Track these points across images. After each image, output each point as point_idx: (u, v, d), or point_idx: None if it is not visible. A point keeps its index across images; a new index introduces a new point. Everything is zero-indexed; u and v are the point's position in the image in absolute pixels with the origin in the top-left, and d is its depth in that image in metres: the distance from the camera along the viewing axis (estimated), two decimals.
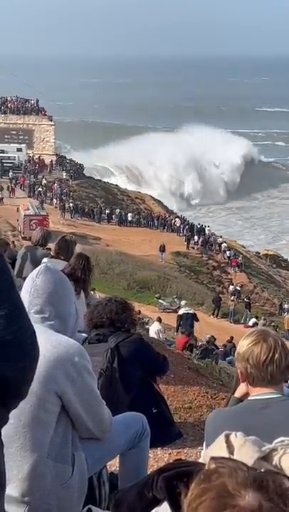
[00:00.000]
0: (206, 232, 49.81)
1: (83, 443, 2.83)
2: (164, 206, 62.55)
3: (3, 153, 58.00)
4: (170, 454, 4.76)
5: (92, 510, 2.62)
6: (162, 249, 43.15)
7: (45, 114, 66.33)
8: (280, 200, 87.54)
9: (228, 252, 47.06)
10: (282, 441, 1.34)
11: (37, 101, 66.63)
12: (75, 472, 2.72)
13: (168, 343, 15.96)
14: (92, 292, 8.59)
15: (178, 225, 51.31)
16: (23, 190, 54.12)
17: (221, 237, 51.05)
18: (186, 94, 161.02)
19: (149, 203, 61.60)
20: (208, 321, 32.37)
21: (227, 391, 6.35)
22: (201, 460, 1.78)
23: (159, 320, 20.35)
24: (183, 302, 26.80)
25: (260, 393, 2.52)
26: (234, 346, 19.80)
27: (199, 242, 47.84)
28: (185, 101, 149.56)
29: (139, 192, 66.02)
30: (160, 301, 34.22)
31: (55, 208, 50.08)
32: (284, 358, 2.50)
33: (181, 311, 20.99)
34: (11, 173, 54.94)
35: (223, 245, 48.23)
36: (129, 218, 51.82)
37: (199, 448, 4.62)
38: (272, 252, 54.85)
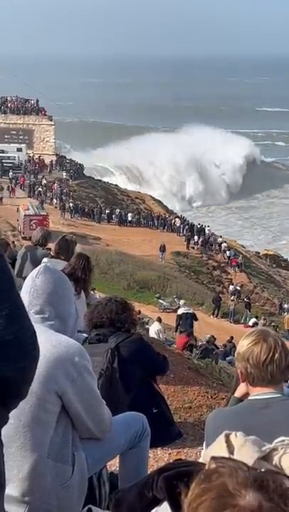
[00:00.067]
0: (206, 232, 49.82)
1: (83, 443, 2.83)
2: (164, 206, 62.56)
3: (3, 153, 58.00)
4: (170, 453, 4.76)
5: (92, 510, 2.62)
6: (162, 249, 43.16)
7: (45, 114, 66.35)
8: (280, 200, 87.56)
9: (228, 252, 47.07)
10: (283, 441, 1.35)
11: (37, 101, 66.65)
12: (75, 472, 2.72)
13: (168, 343, 15.97)
14: (92, 292, 8.59)
15: (178, 225, 51.32)
16: (23, 190, 54.12)
17: (220, 237, 51.07)
18: (186, 94, 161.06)
19: (149, 202, 61.62)
20: (208, 321, 32.38)
21: (227, 391, 6.35)
22: (201, 460, 1.78)
23: (159, 320, 20.36)
24: (182, 302, 26.85)
25: (260, 393, 2.52)
26: (234, 346, 19.81)
27: (199, 242, 47.84)
28: (185, 101, 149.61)
29: (139, 192, 66.03)
30: (160, 301, 34.23)
31: (55, 207, 50.09)
32: (284, 357, 2.50)
33: (180, 311, 21.00)
34: (11, 173, 54.94)
35: (223, 245, 48.24)
36: (129, 218, 51.83)
37: (199, 448, 4.62)
38: (272, 252, 54.86)
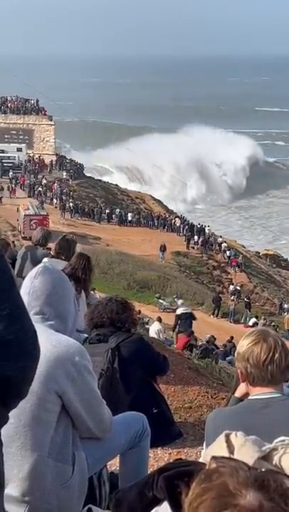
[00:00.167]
0: (206, 232, 49.82)
1: (84, 442, 2.83)
2: (164, 206, 62.55)
3: (3, 153, 58.00)
4: (170, 453, 4.76)
5: (92, 509, 2.62)
6: (163, 249, 43.15)
7: (45, 114, 66.34)
8: (279, 200, 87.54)
9: (228, 252, 47.06)
10: (283, 440, 1.35)
11: (37, 101, 66.64)
12: (76, 472, 2.72)
13: (168, 342, 15.97)
14: (92, 292, 8.59)
15: (178, 224, 51.31)
16: (23, 190, 54.12)
17: (220, 236, 51.07)
18: (186, 94, 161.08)
19: (149, 202, 61.60)
20: (208, 321, 32.37)
21: (227, 391, 6.35)
22: (201, 460, 1.78)
23: (159, 320, 20.36)
24: (180, 302, 26.82)
25: (260, 393, 2.52)
26: (234, 346, 19.80)
27: (199, 241, 47.84)
28: (185, 101, 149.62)
29: (139, 192, 66.01)
30: (160, 300, 34.23)
31: (55, 207, 50.08)
32: (284, 357, 2.50)
33: (179, 311, 20.99)
34: (11, 173, 54.94)
35: (223, 245, 48.24)
36: (129, 218, 51.82)
37: (199, 448, 4.62)
38: (272, 252, 54.86)
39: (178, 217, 54.03)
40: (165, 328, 20.61)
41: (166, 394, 5.48)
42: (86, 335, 4.72)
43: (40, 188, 53.02)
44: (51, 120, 66.21)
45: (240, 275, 44.49)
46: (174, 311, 26.45)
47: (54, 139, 65.47)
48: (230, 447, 1.29)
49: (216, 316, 35.01)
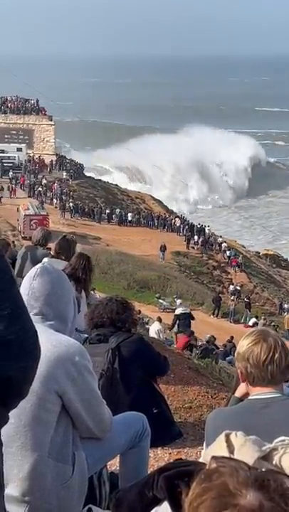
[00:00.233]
0: (206, 231, 49.83)
1: (84, 442, 2.83)
2: (164, 206, 62.55)
3: (3, 153, 58.00)
4: (170, 453, 4.76)
5: (92, 509, 2.62)
6: (163, 248, 43.16)
7: (45, 114, 66.34)
8: (279, 200, 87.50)
9: (228, 252, 47.06)
10: (283, 440, 1.35)
11: (37, 101, 66.64)
12: (76, 472, 2.72)
13: (168, 342, 15.98)
14: (92, 292, 8.59)
15: (178, 224, 51.31)
16: (23, 190, 54.12)
17: (221, 236, 51.07)
18: (186, 94, 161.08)
19: (149, 202, 61.60)
20: (208, 321, 32.38)
21: (227, 391, 6.35)
22: (201, 459, 1.78)
23: (159, 320, 20.37)
24: (178, 301, 26.82)
25: (260, 393, 2.52)
26: (234, 346, 19.80)
27: (199, 241, 47.84)
28: (185, 101, 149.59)
29: (139, 192, 65.99)
30: (160, 300, 34.23)
31: (55, 207, 50.08)
32: (284, 357, 2.50)
33: (178, 311, 21.01)
34: (11, 173, 54.94)
35: (223, 245, 48.24)
36: (129, 218, 51.82)
37: (199, 447, 4.63)
38: (272, 252, 54.87)
39: (178, 217, 54.03)
40: (165, 328, 20.62)
41: (166, 394, 5.48)
42: (86, 335, 4.72)
43: (40, 188, 53.02)
44: (51, 120, 66.21)
45: (240, 275, 44.49)
46: (174, 311, 26.49)
47: (54, 139, 65.46)
48: (231, 447, 1.29)
49: (216, 316, 35.01)
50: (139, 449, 3.15)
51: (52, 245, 8.43)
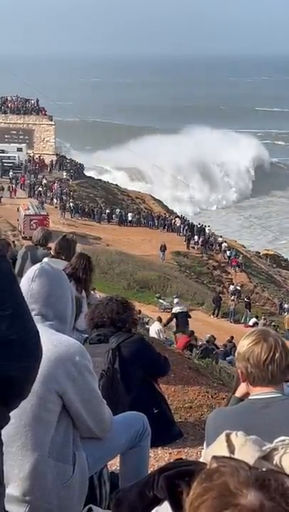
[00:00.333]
0: (206, 231, 49.83)
1: (84, 442, 2.83)
2: (164, 206, 62.53)
3: (4, 153, 58.00)
4: (171, 453, 4.76)
5: (92, 509, 2.62)
6: (163, 248, 43.17)
7: (46, 114, 66.34)
8: (279, 199, 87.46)
9: (228, 252, 47.06)
10: (283, 440, 1.35)
11: (37, 101, 66.64)
12: (76, 471, 2.72)
13: (168, 342, 15.98)
14: (92, 292, 8.58)
15: (178, 224, 51.32)
16: (24, 190, 54.12)
17: (221, 236, 51.07)
18: (186, 94, 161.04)
19: (149, 202, 61.60)
20: (208, 321, 32.40)
21: (227, 391, 6.36)
22: (201, 459, 1.78)
23: (160, 320, 20.35)
24: (176, 300, 26.81)
25: (260, 393, 2.52)
26: (234, 346, 19.81)
27: (199, 241, 47.84)
28: (185, 101, 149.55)
29: (139, 192, 65.96)
30: (160, 300, 34.23)
31: (56, 207, 50.07)
32: (284, 357, 2.50)
33: (175, 310, 21.02)
34: (11, 173, 54.94)
35: (224, 245, 48.24)
36: (130, 218, 51.83)
37: (200, 447, 4.63)
38: (272, 252, 54.87)
39: (178, 217, 54.03)
40: (165, 328, 20.61)
41: (166, 394, 5.49)
42: (87, 335, 4.72)
43: (40, 188, 53.02)
44: (51, 120, 66.21)
45: (240, 275, 44.48)
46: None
47: (54, 138, 65.45)
48: (231, 447, 1.29)
49: (216, 316, 35.01)
50: (139, 448, 3.15)
51: (52, 245, 8.43)
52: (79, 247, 8.25)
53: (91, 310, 4.60)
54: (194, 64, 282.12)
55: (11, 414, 1.63)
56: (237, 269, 45.20)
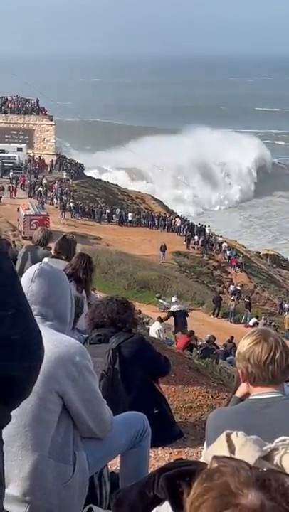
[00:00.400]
0: (206, 231, 49.83)
1: (84, 442, 2.83)
2: (165, 206, 62.53)
3: (4, 153, 58.00)
4: (171, 453, 4.76)
5: (93, 509, 2.62)
6: (163, 249, 43.18)
7: (46, 114, 66.35)
8: (279, 199, 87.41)
9: (228, 252, 47.07)
10: (284, 440, 1.35)
11: (37, 101, 66.65)
12: (76, 471, 2.72)
13: (168, 342, 15.98)
14: (92, 292, 8.59)
15: (178, 224, 51.32)
16: (24, 190, 54.13)
17: (221, 236, 51.07)
18: (186, 94, 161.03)
19: (149, 202, 61.60)
20: (208, 321, 32.42)
21: (228, 391, 6.36)
22: (202, 459, 1.78)
23: (160, 320, 20.36)
24: (173, 299, 26.80)
25: (261, 393, 2.52)
26: (234, 346, 19.82)
27: (199, 241, 47.85)
28: (185, 101, 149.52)
29: (140, 192, 65.95)
30: (160, 300, 34.22)
31: (56, 207, 50.08)
32: (285, 357, 2.50)
33: (173, 308, 21.01)
34: (11, 173, 54.95)
35: (224, 245, 48.25)
36: (130, 218, 51.83)
37: (200, 447, 4.63)
38: (272, 252, 54.88)
39: (178, 217, 54.03)
40: (165, 328, 20.63)
41: (166, 394, 5.49)
42: (87, 335, 4.72)
43: (40, 188, 53.02)
44: (51, 120, 66.22)
45: (240, 275, 44.49)
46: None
47: (54, 138, 65.45)
48: (231, 447, 1.30)
49: (217, 316, 35.02)
50: (139, 448, 3.15)
51: (52, 245, 8.43)
52: (79, 247, 8.25)
53: (91, 310, 4.61)
54: (194, 64, 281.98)
55: (12, 414, 1.63)
56: (237, 269, 45.20)
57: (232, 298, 37.70)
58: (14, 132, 64.00)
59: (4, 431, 1.64)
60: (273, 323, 31.48)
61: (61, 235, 8.04)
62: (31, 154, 60.92)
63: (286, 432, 1.55)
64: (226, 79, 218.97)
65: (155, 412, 4.35)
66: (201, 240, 47.89)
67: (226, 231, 62.57)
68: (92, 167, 72.96)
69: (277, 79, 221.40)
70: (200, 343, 19.78)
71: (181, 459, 3.30)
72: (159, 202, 63.25)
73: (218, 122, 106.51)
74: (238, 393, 2.74)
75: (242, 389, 2.70)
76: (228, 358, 18.95)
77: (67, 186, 55.47)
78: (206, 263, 46.20)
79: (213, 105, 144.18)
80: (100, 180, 66.35)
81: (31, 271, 2.84)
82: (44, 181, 54.99)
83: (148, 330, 17.74)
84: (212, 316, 34.80)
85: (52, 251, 7.95)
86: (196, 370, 7.56)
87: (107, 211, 52.39)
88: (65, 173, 59.58)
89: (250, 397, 2.58)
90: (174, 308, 21.20)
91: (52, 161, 61.95)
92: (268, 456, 1.27)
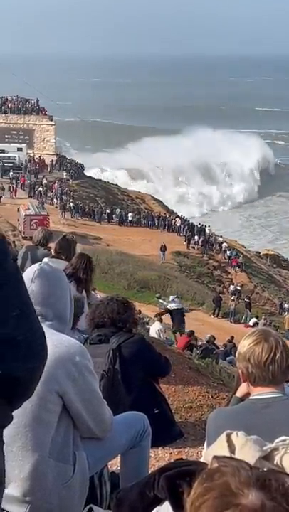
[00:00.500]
0: (207, 231, 49.83)
1: (84, 442, 2.83)
2: (165, 206, 62.52)
3: (4, 153, 58.00)
4: (171, 453, 4.76)
5: (93, 509, 2.62)
6: (163, 249, 43.18)
7: (46, 114, 66.35)
8: (279, 199, 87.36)
9: (228, 252, 47.07)
10: (284, 440, 1.35)
11: (37, 101, 66.65)
12: (77, 471, 2.72)
13: (168, 342, 15.97)
14: (92, 292, 8.58)
15: (178, 224, 51.32)
16: (24, 190, 54.13)
17: (221, 236, 51.07)
18: (186, 94, 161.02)
19: (149, 202, 61.59)
20: (208, 321, 32.43)
21: (228, 391, 6.36)
22: (202, 459, 1.78)
23: (160, 320, 20.34)
24: (171, 297, 26.77)
25: (261, 393, 2.52)
26: (234, 346, 19.81)
27: (200, 241, 47.85)
28: (185, 101, 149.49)
29: (140, 192, 65.95)
30: (160, 300, 34.19)
31: (56, 207, 50.08)
32: (285, 357, 2.51)
33: (171, 306, 20.99)
34: (11, 173, 54.94)
35: (224, 245, 48.25)
36: (130, 218, 51.83)
37: (200, 447, 4.63)
38: (272, 252, 54.88)
39: (178, 217, 54.03)
40: (165, 328, 20.62)
41: (166, 394, 5.48)
42: (87, 335, 4.71)
43: (40, 188, 53.02)
44: (51, 120, 66.22)
45: (240, 275, 44.49)
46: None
47: (54, 138, 65.46)
48: (232, 447, 1.30)
49: (217, 316, 35.02)
50: (139, 448, 3.15)
51: (52, 245, 8.42)
52: (79, 247, 8.24)
53: (92, 310, 4.60)
54: (194, 64, 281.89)
55: (12, 414, 1.63)
56: (237, 269, 45.20)
57: (232, 298, 37.70)
58: (14, 132, 64.00)
59: (5, 431, 1.64)
60: (273, 323, 31.50)
61: (61, 235, 8.03)
62: (31, 154, 60.92)
63: (286, 432, 1.55)
64: (226, 79, 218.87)
65: (155, 412, 4.35)
66: (201, 240, 47.89)
67: (226, 231, 62.58)
68: (92, 167, 72.97)
69: (277, 79, 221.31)
70: (200, 343, 19.77)
71: (182, 459, 3.30)
72: (159, 202, 63.24)
73: (219, 122, 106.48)
74: (239, 393, 2.74)
75: (242, 389, 2.70)
76: (228, 358, 18.94)
77: (67, 186, 55.46)
78: (206, 263, 46.19)
79: (213, 105, 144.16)
80: (100, 180, 66.34)
81: (31, 271, 2.84)
82: (44, 181, 54.98)
83: (148, 330, 17.73)
84: (212, 316, 34.80)
85: (52, 251, 7.95)
86: (196, 370, 7.56)
87: (107, 211, 52.39)
88: (65, 173, 59.57)
89: (250, 397, 2.58)
90: (171, 306, 21.17)
91: (52, 161, 61.95)
92: (268, 456, 1.27)
